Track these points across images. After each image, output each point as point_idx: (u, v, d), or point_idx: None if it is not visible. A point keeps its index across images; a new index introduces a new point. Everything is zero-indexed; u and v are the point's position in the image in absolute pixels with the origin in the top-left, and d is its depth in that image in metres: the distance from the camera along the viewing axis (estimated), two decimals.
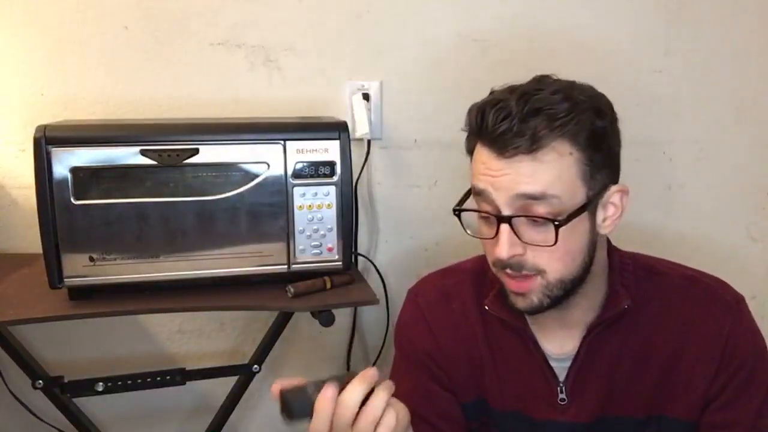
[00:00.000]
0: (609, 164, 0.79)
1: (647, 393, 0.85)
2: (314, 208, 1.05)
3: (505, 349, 0.89)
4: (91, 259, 0.98)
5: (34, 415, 1.21)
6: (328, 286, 1.07)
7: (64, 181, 0.95)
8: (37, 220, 0.95)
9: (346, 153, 1.05)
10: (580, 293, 0.82)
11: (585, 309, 0.85)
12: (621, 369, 0.85)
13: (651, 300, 0.86)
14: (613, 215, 0.80)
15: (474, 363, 0.91)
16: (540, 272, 0.77)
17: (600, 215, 0.79)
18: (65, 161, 0.94)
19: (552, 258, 0.76)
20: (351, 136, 1.06)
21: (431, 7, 1.32)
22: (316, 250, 1.06)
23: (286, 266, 1.05)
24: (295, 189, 1.03)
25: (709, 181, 1.52)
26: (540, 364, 0.87)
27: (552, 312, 0.83)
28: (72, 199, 0.95)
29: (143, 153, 0.97)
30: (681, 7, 1.43)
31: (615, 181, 0.80)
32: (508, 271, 0.77)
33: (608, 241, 0.87)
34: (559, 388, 0.86)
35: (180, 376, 1.12)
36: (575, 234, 0.76)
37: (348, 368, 1.43)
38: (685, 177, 1.51)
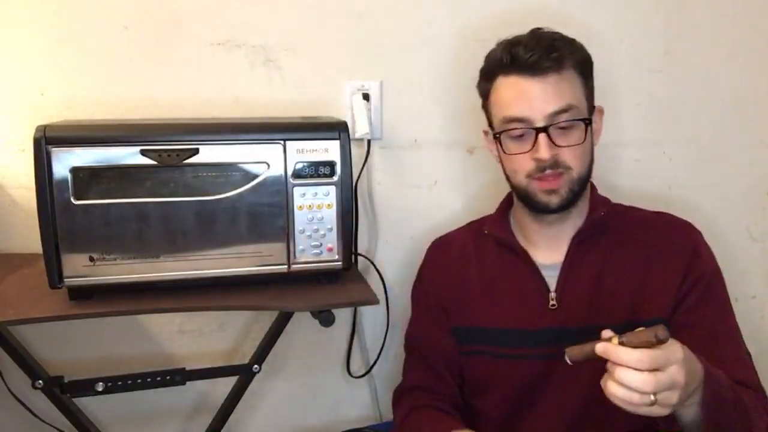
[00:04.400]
0: (593, 90, 1.04)
1: (627, 302, 0.97)
2: (314, 208, 1.05)
3: (500, 268, 1.07)
4: (91, 259, 0.98)
5: (34, 415, 1.21)
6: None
7: (64, 181, 0.95)
8: (37, 220, 0.95)
9: (346, 153, 1.05)
10: (572, 210, 1.02)
11: (571, 226, 1.04)
12: (603, 281, 0.99)
13: (626, 224, 1.05)
14: (597, 129, 1.05)
15: (467, 291, 1.08)
16: (568, 169, 0.98)
17: (592, 129, 1.02)
18: (65, 161, 0.94)
19: (575, 156, 0.98)
20: (351, 136, 1.06)
21: (431, 7, 1.32)
22: (316, 250, 1.06)
23: (286, 266, 1.05)
24: (295, 189, 1.03)
25: (709, 181, 1.52)
26: (532, 274, 1.03)
27: (543, 228, 1.04)
28: (72, 199, 0.95)
29: (143, 153, 0.97)
30: (681, 7, 1.43)
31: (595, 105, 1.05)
32: (547, 171, 0.97)
33: (593, 185, 1.10)
34: (550, 295, 1.02)
35: (180, 376, 1.12)
36: (587, 137, 0.99)
37: (348, 368, 1.43)
38: (685, 177, 1.51)
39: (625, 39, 1.42)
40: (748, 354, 1.01)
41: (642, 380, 0.71)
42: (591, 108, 1.03)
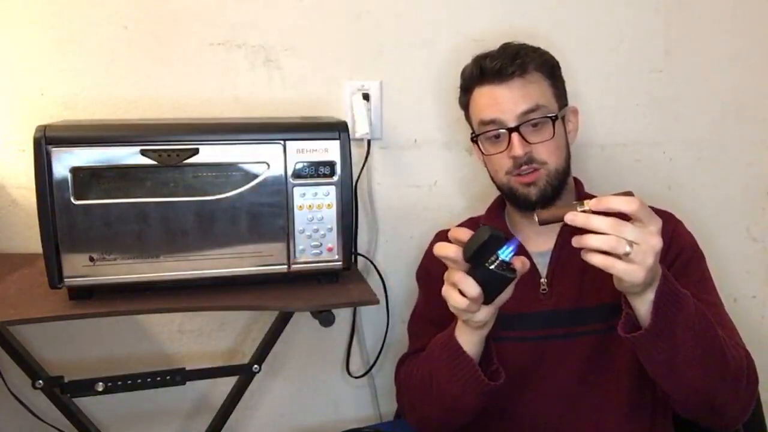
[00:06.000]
0: (563, 90, 1.12)
1: (612, 285, 0.94)
2: (314, 208, 1.05)
3: None
4: (91, 259, 0.98)
5: (34, 415, 1.21)
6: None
7: (64, 181, 0.95)
8: (37, 220, 0.95)
9: (346, 153, 1.05)
10: (557, 204, 1.06)
11: None
12: (590, 266, 0.94)
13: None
14: (573, 128, 1.13)
15: None
16: (543, 164, 1.05)
17: (567, 126, 1.11)
18: (65, 161, 0.94)
19: (549, 151, 1.05)
20: (351, 136, 1.06)
21: (431, 7, 1.32)
22: (316, 250, 1.06)
23: (286, 266, 1.05)
24: (295, 189, 1.03)
25: (709, 181, 1.52)
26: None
27: (533, 223, 1.00)
28: (72, 199, 0.95)
29: (143, 153, 0.97)
30: (681, 7, 1.43)
31: (567, 104, 1.13)
32: (523, 167, 1.04)
33: (580, 182, 1.16)
34: (541, 281, 1.08)
35: (180, 376, 1.12)
36: (559, 133, 1.06)
37: (347, 368, 1.43)
38: (685, 177, 1.51)
39: (625, 39, 1.42)
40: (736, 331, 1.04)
41: (619, 223, 0.77)
42: (562, 106, 1.10)
